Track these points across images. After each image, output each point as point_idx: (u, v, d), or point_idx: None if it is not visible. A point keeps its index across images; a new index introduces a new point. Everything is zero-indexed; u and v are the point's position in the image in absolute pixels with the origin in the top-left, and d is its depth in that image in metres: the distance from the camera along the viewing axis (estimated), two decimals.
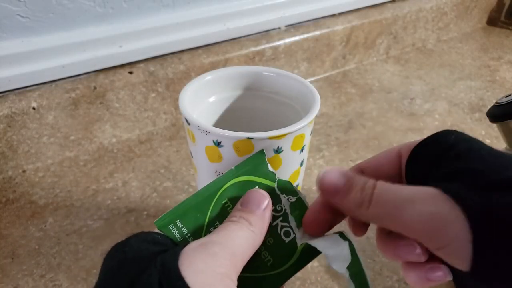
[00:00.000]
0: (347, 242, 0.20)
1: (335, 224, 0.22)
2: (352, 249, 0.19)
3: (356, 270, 0.19)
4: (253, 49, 0.56)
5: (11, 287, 0.33)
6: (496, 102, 0.37)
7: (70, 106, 0.45)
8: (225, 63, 0.54)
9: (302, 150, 0.27)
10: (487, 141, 0.51)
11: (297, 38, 0.59)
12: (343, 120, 0.54)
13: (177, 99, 0.52)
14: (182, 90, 0.29)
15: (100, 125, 0.48)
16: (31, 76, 0.44)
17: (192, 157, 0.28)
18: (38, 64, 0.44)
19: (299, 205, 0.22)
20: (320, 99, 0.28)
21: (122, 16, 0.48)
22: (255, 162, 0.22)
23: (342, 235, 0.20)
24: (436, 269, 0.19)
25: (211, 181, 0.22)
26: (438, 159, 0.19)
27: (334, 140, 0.51)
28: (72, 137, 0.47)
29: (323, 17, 0.64)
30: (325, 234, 0.21)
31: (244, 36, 0.57)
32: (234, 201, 0.21)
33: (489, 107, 0.39)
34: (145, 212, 0.40)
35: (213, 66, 0.52)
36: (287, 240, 0.21)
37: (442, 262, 0.19)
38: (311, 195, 0.42)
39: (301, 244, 0.21)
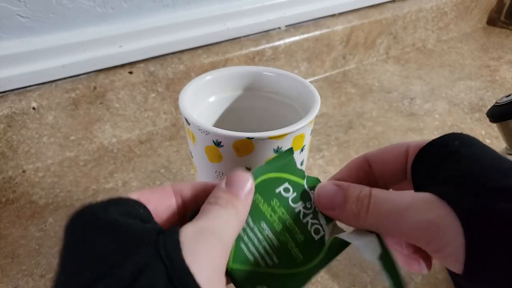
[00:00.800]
0: (374, 234, 0.20)
1: None
2: (381, 241, 0.19)
3: (388, 260, 0.19)
4: (253, 49, 0.56)
5: (11, 287, 0.33)
6: (496, 102, 0.37)
7: (70, 106, 0.45)
8: (225, 63, 0.54)
9: (302, 150, 0.27)
10: (487, 141, 0.51)
11: (297, 38, 0.59)
12: (343, 120, 0.54)
13: (177, 99, 0.52)
14: (182, 90, 0.29)
15: (100, 125, 0.48)
16: (31, 76, 0.44)
17: (192, 157, 0.28)
18: (38, 64, 0.44)
19: None
20: (320, 99, 0.28)
21: (122, 16, 0.48)
22: (284, 159, 0.22)
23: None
24: (414, 261, 0.21)
25: (211, 180, 0.22)
26: (441, 163, 0.20)
27: (334, 140, 0.51)
28: (72, 137, 0.47)
29: (323, 17, 0.64)
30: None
31: (244, 36, 0.57)
32: (264, 196, 0.21)
33: (489, 107, 0.39)
34: None
35: (213, 66, 0.52)
36: (316, 237, 0.21)
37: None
38: None
39: (328, 239, 0.21)
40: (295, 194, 0.21)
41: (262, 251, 0.20)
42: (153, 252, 0.15)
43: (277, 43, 0.57)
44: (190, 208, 0.20)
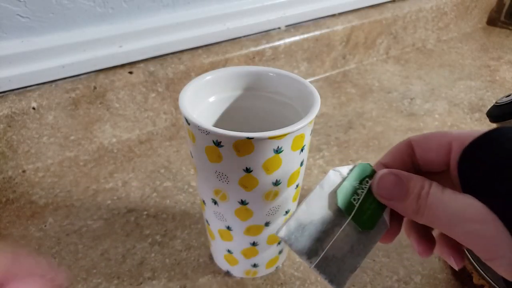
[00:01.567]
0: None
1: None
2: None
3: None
4: (253, 49, 0.56)
5: None
6: (496, 102, 0.37)
7: (70, 106, 0.45)
8: (225, 63, 0.54)
9: (302, 150, 0.27)
10: None
11: (297, 38, 0.59)
12: (343, 120, 0.54)
13: (177, 99, 0.52)
14: (182, 90, 0.29)
15: (100, 125, 0.48)
16: (31, 76, 0.44)
17: (192, 157, 0.28)
18: (38, 64, 0.44)
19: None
20: (320, 99, 0.28)
21: (122, 16, 0.48)
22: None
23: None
24: (446, 255, 0.22)
25: (211, 180, 0.22)
26: (493, 168, 0.19)
27: (334, 140, 0.51)
28: (72, 137, 0.47)
29: (323, 17, 0.64)
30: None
31: (244, 36, 0.57)
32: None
33: (489, 107, 0.39)
34: (145, 212, 0.40)
35: (213, 66, 0.52)
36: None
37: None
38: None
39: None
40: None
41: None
42: None
43: (277, 43, 0.57)
44: None
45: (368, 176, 0.22)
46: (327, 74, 0.66)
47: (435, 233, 0.23)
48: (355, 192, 0.22)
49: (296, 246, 0.20)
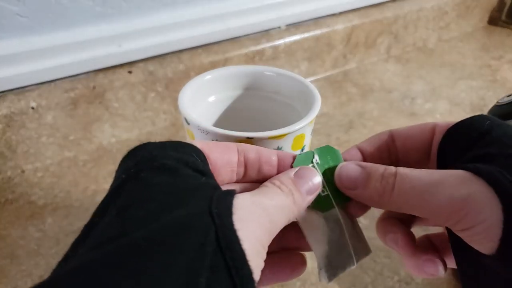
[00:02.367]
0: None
1: None
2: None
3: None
4: (253, 48, 0.55)
5: None
6: (497, 102, 0.37)
7: (69, 106, 0.45)
8: (225, 63, 0.53)
9: (302, 150, 0.27)
10: None
11: (297, 37, 0.59)
12: (343, 120, 0.54)
13: (176, 99, 0.52)
14: (181, 89, 0.28)
15: (99, 125, 0.48)
16: (30, 75, 0.43)
17: None
18: (37, 64, 0.43)
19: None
20: (320, 99, 0.28)
21: (122, 15, 0.47)
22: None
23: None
24: (431, 262, 0.20)
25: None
26: (471, 143, 0.19)
27: (334, 140, 0.50)
28: (71, 137, 0.47)
29: (323, 17, 0.64)
30: None
31: (244, 36, 0.57)
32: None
33: (490, 107, 0.39)
34: None
35: (213, 66, 0.52)
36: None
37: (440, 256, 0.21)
38: None
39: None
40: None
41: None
42: (206, 206, 0.15)
43: (277, 42, 0.57)
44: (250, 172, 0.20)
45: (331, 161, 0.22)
46: (328, 73, 0.66)
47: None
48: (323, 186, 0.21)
49: (340, 273, 0.20)
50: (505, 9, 0.83)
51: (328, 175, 0.21)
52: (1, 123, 0.42)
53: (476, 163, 0.18)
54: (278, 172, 0.20)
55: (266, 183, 0.19)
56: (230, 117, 0.34)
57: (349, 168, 0.20)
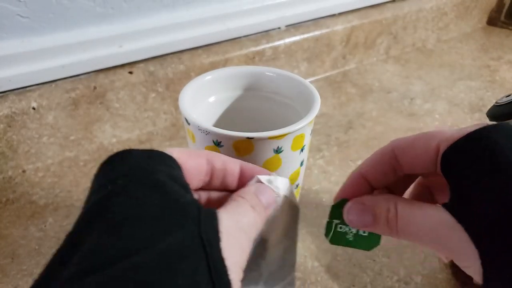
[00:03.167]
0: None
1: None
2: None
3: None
4: (253, 49, 0.56)
5: (11, 287, 0.33)
6: (496, 102, 0.37)
7: (70, 106, 0.45)
8: (225, 63, 0.54)
9: (302, 150, 0.27)
10: None
11: (297, 38, 0.59)
12: (343, 120, 0.54)
13: (177, 99, 0.52)
14: (182, 90, 0.29)
15: (100, 125, 0.48)
16: (31, 76, 0.44)
17: None
18: (38, 64, 0.44)
19: None
20: (320, 99, 0.28)
21: (122, 16, 0.48)
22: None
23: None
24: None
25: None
26: (473, 166, 0.19)
27: (334, 140, 0.51)
28: (72, 137, 0.47)
29: (323, 17, 0.64)
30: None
31: (244, 36, 0.57)
32: None
33: (489, 107, 0.39)
34: None
35: (213, 66, 0.52)
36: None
37: None
38: (311, 195, 0.42)
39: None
40: None
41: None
42: (196, 231, 0.15)
43: (277, 43, 0.57)
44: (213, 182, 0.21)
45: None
46: (327, 74, 0.66)
47: None
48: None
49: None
50: (504, 10, 0.83)
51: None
52: (2, 123, 0.42)
53: (470, 195, 0.19)
54: (239, 183, 0.21)
55: (235, 197, 0.19)
56: (230, 117, 0.34)
57: (355, 214, 0.22)
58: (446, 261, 0.29)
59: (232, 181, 0.21)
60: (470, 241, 0.18)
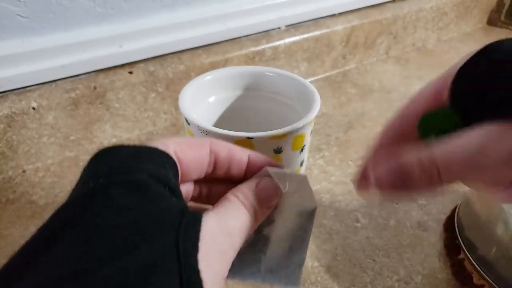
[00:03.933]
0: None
1: None
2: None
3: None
4: (253, 49, 0.56)
5: None
6: None
7: (70, 106, 0.45)
8: (225, 63, 0.54)
9: (302, 150, 0.27)
10: None
11: (297, 38, 0.59)
12: (343, 120, 0.54)
13: (177, 99, 0.52)
14: (182, 90, 0.29)
15: (100, 125, 0.48)
16: (31, 76, 0.44)
17: None
18: (38, 64, 0.44)
19: None
20: (320, 99, 0.28)
21: (122, 16, 0.48)
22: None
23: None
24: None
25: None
26: (489, 85, 0.17)
27: (334, 140, 0.51)
28: (72, 137, 0.47)
29: (323, 17, 0.64)
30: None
31: (244, 36, 0.57)
32: None
33: None
34: None
35: (213, 66, 0.52)
36: None
37: None
38: None
39: None
40: None
41: None
42: (173, 239, 0.14)
43: (277, 43, 0.57)
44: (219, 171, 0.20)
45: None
46: (327, 74, 0.66)
47: None
48: None
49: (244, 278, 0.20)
50: (504, 10, 0.83)
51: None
52: (2, 123, 0.42)
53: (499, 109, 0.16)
54: (246, 174, 0.20)
55: (230, 196, 0.18)
56: (230, 117, 0.34)
57: (382, 174, 0.19)
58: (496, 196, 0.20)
59: (239, 171, 0.20)
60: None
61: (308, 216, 0.21)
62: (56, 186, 0.43)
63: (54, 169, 0.46)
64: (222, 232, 0.16)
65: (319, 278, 0.34)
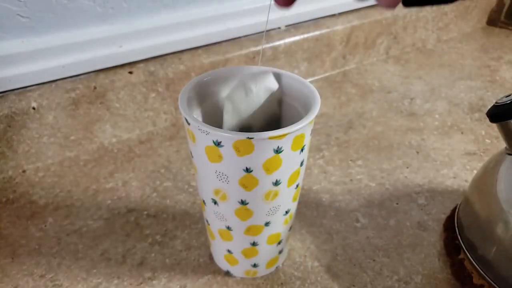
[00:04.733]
0: None
1: None
2: None
3: None
4: (253, 49, 0.56)
5: (11, 287, 0.33)
6: (496, 102, 0.37)
7: (70, 106, 0.45)
8: (225, 63, 0.54)
9: (302, 150, 0.27)
10: (487, 141, 0.51)
11: (297, 38, 0.59)
12: (343, 120, 0.54)
13: (177, 99, 0.52)
14: (182, 90, 0.29)
15: (100, 125, 0.48)
16: (31, 76, 0.44)
17: (192, 157, 0.28)
18: (38, 64, 0.44)
19: None
20: (320, 99, 0.28)
21: (122, 16, 0.48)
22: None
23: None
24: None
25: (211, 180, 0.22)
26: None
27: (334, 140, 0.51)
28: (72, 137, 0.47)
29: (323, 17, 0.64)
30: None
31: (244, 36, 0.57)
32: None
33: (489, 107, 0.39)
34: (145, 212, 0.40)
35: (213, 66, 0.52)
36: None
37: None
38: (311, 195, 0.42)
39: None
40: None
41: None
42: None
43: (277, 43, 0.57)
44: None
45: None
46: (327, 74, 0.66)
47: None
48: None
49: None
50: (504, 10, 0.83)
51: None
52: (2, 123, 0.42)
53: None
54: None
55: None
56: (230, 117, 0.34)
57: None
58: None
59: None
60: None
61: None
62: (56, 186, 0.43)
63: (54, 169, 0.46)
64: None
65: (319, 278, 0.34)
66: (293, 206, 0.30)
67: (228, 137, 0.24)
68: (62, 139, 0.46)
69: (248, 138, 0.24)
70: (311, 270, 0.35)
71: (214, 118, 0.33)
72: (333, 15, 0.65)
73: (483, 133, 0.52)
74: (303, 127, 0.25)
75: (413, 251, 0.36)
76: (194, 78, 0.30)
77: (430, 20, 0.74)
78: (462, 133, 0.52)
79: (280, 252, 0.33)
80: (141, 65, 0.50)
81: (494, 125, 0.37)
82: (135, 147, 0.49)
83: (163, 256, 0.36)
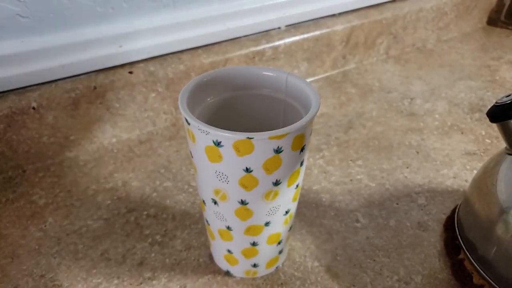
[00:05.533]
0: None
1: None
2: None
3: None
4: (253, 49, 0.56)
5: (11, 287, 0.33)
6: (496, 102, 0.37)
7: (70, 106, 0.45)
8: (225, 63, 0.54)
9: (302, 150, 0.27)
10: (487, 141, 0.51)
11: (297, 38, 0.59)
12: (343, 120, 0.54)
13: (177, 99, 0.52)
14: (182, 90, 0.29)
15: (100, 125, 0.48)
16: (31, 76, 0.44)
17: (192, 157, 0.28)
18: (38, 64, 0.44)
19: None
20: (320, 99, 0.28)
21: (122, 16, 0.48)
22: None
23: None
24: None
25: (211, 180, 0.22)
26: None
27: (334, 140, 0.51)
28: (72, 137, 0.47)
29: (323, 17, 0.64)
30: None
31: (244, 36, 0.57)
32: None
33: (489, 107, 0.39)
34: (145, 212, 0.40)
35: (213, 66, 0.52)
36: None
37: None
38: (311, 195, 0.42)
39: None
40: None
41: None
42: None
43: (277, 43, 0.57)
44: None
45: None
46: (327, 74, 0.66)
47: None
48: None
49: None
50: (504, 10, 0.83)
51: None
52: (2, 123, 0.42)
53: None
54: None
55: None
56: (230, 117, 0.34)
57: None
58: None
59: None
60: None
61: None
62: (56, 186, 0.43)
63: (54, 169, 0.46)
64: None
65: (319, 278, 0.34)
66: (293, 206, 0.30)
67: (228, 137, 0.24)
68: (62, 139, 0.46)
69: (248, 138, 0.24)
70: (311, 270, 0.35)
71: (214, 118, 0.33)
72: (333, 15, 0.65)
73: (483, 133, 0.52)
74: (303, 127, 0.25)
75: (413, 251, 0.36)
76: (194, 78, 0.30)
77: (430, 20, 0.74)
78: (462, 133, 0.52)
79: (280, 252, 0.33)
80: (141, 65, 0.50)
81: (494, 125, 0.37)
82: (135, 147, 0.49)
83: (163, 256, 0.36)
